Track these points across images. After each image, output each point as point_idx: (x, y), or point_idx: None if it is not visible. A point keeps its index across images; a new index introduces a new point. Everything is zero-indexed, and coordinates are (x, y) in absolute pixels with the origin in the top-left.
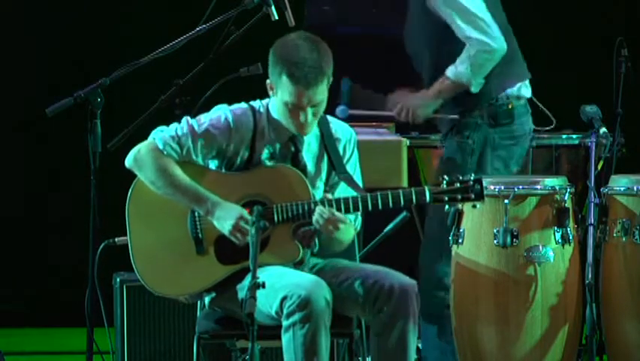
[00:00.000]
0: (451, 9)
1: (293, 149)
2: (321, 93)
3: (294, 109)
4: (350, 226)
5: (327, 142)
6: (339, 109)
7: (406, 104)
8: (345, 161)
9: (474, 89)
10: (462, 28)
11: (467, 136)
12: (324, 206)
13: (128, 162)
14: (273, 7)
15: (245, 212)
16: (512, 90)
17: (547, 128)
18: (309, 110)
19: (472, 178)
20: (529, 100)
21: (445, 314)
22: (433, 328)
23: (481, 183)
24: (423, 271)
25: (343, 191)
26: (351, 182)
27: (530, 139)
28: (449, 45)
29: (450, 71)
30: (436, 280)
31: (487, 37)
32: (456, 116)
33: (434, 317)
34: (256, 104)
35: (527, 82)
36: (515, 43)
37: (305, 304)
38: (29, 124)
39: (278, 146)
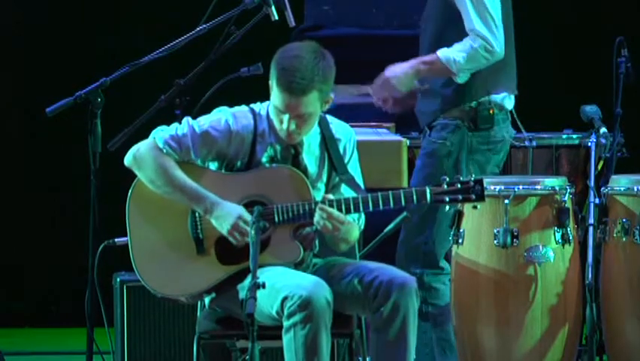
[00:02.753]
0: None
1: (293, 151)
2: (308, 105)
3: (280, 113)
4: (354, 226)
5: (329, 143)
6: None
7: (384, 75)
8: (345, 161)
9: (459, 80)
10: (471, 20)
11: (445, 138)
12: (325, 205)
13: (127, 160)
14: (273, 7)
15: (244, 212)
16: (496, 98)
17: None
18: (293, 120)
19: (472, 179)
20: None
21: (426, 312)
22: (424, 328)
23: (482, 184)
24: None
25: (345, 192)
26: (352, 183)
27: (509, 146)
28: (453, 32)
29: (442, 53)
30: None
31: (492, 36)
32: (426, 86)
33: (422, 318)
34: (257, 106)
35: (512, 96)
36: (513, 55)
37: (306, 305)
38: (29, 124)
39: (279, 148)
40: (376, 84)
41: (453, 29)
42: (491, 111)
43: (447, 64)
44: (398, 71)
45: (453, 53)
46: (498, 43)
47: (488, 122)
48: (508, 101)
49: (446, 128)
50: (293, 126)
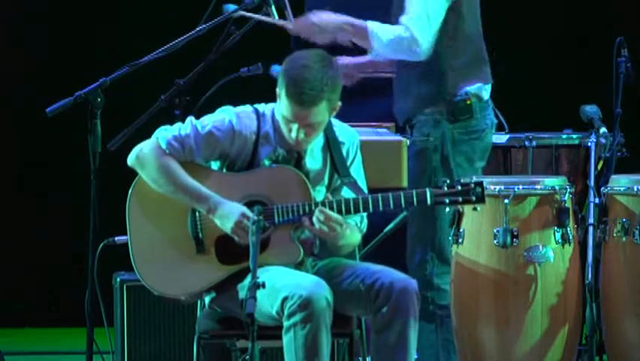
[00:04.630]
0: None
1: (296, 155)
2: (317, 115)
3: (288, 123)
4: (354, 229)
5: (332, 146)
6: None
7: (310, 18)
8: (348, 164)
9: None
10: (408, 15)
11: (427, 134)
12: (325, 207)
13: (130, 160)
14: (273, 7)
15: (247, 210)
16: (471, 88)
17: (502, 133)
18: (302, 130)
19: (473, 181)
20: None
21: (433, 313)
22: (430, 330)
23: (482, 186)
24: (410, 272)
25: (346, 195)
26: (354, 186)
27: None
28: None
29: (371, 25)
30: (424, 281)
31: (422, 38)
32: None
33: (429, 318)
34: (261, 107)
35: (488, 86)
36: (483, 50)
37: (306, 305)
38: (29, 124)
39: (281, 152)
40: (299, 22)
41: None
42: (468, 102)
43: (370, 35)
44: (325, 18)
45: (381, 30)
46: (425, 45)
47: (467, 113)
48: (485, 91)
49: (427, 125)
50: (302, 135)
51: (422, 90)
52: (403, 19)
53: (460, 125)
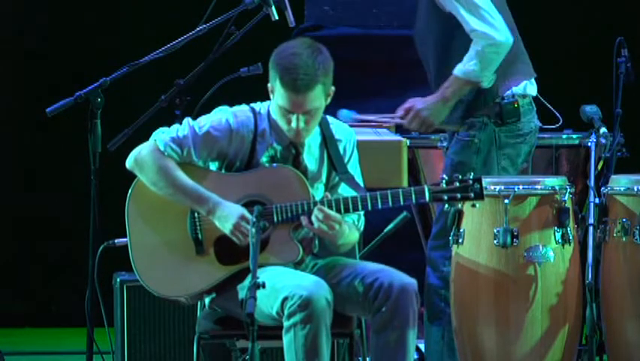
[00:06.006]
0: (456, 1)
1: (294, 152)
2: (314, 101)
3: (287, 114)
4: (352, 228)
5: (328, 143)
6: (343, 112)
7: (415, 110)
8: (345, 161)
9: (486, 84)
10: (467, 21)
11: (473, 135)
12: (324, 206)
13: (129, 163)
14: (273, 7)
15: (246, 212)
16: (517, 89)
17: (553, 126)
18: (302, 117)
19: (471, 177)
20: (535, 98)
21: (444, 311)
22: (437, 329)
23: (480, 183)
24: (431, 270)
25: (344, 191)
26: (352, 182)
27: (536, 136)
28: (456, 42)
29: (458, 70)
30: (441, 278)
31: (491, 29)
32: (457, 128)
33: (438, 317)
34: (257, 105)
35: (532, 80)
36: (520, 43)
37: (306, 305)
38: (29, 124)
39: (279, 149)
40: (408, 119)
41: (457, 36)
42: (515, 104)
43: (466, 77)
44: (429, 105)
45: (466, 65)
46: (500, 34)
47: (514, 116)
48: (530, 87)
49: (473, 127)
50: (302, 124)
51: (470, 97)
52: (467, 30)
53: (506, 128)
